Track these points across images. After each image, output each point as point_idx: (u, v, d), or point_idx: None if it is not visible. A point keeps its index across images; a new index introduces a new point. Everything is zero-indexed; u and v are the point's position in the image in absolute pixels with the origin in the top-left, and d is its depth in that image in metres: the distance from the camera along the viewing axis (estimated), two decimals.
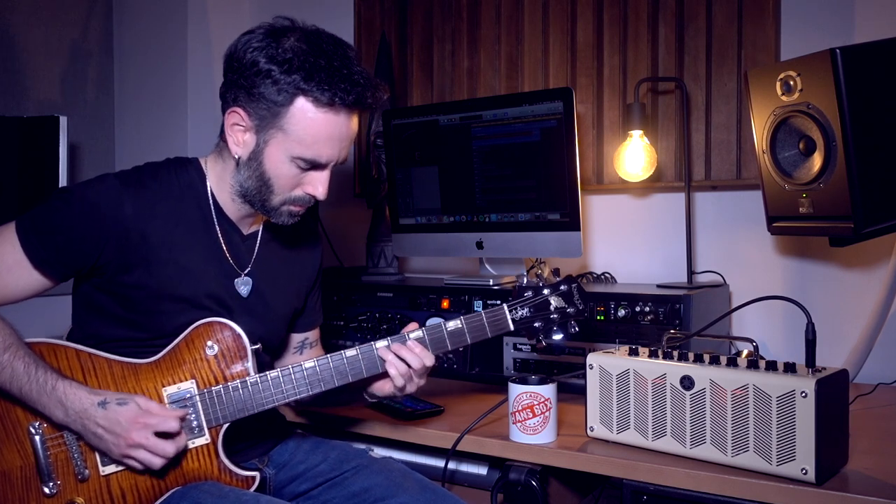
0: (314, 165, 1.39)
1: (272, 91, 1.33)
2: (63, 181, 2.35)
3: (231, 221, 1.48)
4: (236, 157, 1.40)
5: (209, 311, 1.43)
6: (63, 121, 2.36)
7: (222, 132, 1.44)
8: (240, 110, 1.37)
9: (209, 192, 1.46)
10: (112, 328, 1.42)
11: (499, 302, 1.99)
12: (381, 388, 1.53)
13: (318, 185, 1.41)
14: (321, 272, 1.70)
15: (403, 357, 1.44)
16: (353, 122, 1.39)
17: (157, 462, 1.30)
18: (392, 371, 1.44)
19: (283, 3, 2.75)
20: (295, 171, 1.39)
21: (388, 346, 1.45)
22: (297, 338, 1.69)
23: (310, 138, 1.35)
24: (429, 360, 1.45)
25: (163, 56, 2.94)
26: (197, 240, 1.44)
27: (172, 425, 1.31)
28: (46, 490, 1.33)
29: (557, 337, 1.52)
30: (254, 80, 1.33)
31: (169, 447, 1.30)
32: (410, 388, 1.48)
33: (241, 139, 1.39)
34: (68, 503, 1.34)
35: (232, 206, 1.47)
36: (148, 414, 1.30)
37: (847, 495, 1.24)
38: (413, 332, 1.47)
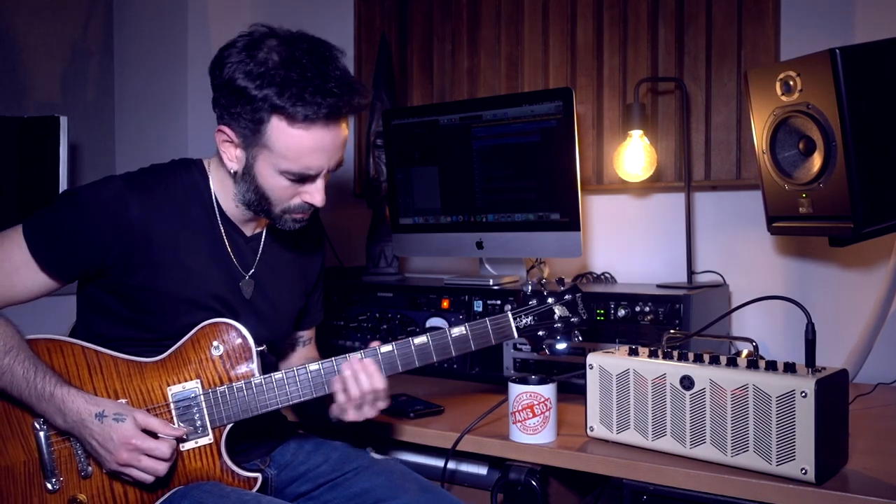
0: (304, 178, 1.38)
1: (248, 110, 1.32)
2: (63, 181, 2.35)
3: (234, 224, 1.49)
4: (232, 171, 1.41)
5: (214, 312, 1.44)
6: (63, 121, 2.36)
7: None
8: (226, 128, 1.37)
9: (213, 194, 1.47)
10: (117, 328, 1.42)
11: (499, 302, 2.00)
12: (332, 409, 1.47)
13: (314, 193, 1.41)
14: (323, 272, 1.70)
15: (356, 375, 1.40)
16: (337, 130, 1.36)
17: (147, 479, 1.31)
18: (337, 386, 1.40)
19: (283, 4, 2.76)
20: (287, 184, 1.38)
21: (348, 363, 1.41)
22: (294, 335, 1.70)
23: (293, 154, 1.34)
24: (379, 382, 1.41)
25: (163, 56, 2.94)
26: (202, 242, 1.44)
27: (164, 451, 1.30)
28: (49, 486, 1.34)
29: (561, 346, 1.52)
30: (231, 98, 1.33)
31: (160, 467, 1.30)
32: (354, 416, 1.43)
33: (232, 154, 1.40)
34: (71, 500, 1.34)
35: (235, 211, 1.47)
36: (141, 436, 1.30)
37: (847, 495, 1.24)
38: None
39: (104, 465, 1.32)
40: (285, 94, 1.30)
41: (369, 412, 1.43)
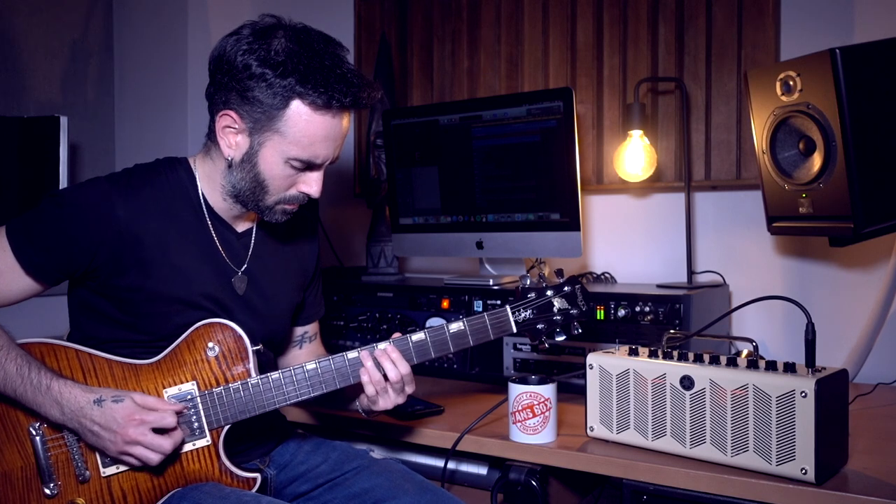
0: (309, 166, 1.39)
1: (267, 94, 1.32)
2: (63, 181, 2.35)
3: (224, 221, 1.48)
4: (229, 158, 1.40)
5: (207, 311, 1.43)
6: (63, 121, 2.36)
7: (210, 133, 1.44)
8: (232, 113, 1.37)
9: (200, 191, 1.46)
10: (110, 330, 1.42)
11: (499, 302, 2.00)
12: (361, 400, 1.52)
13: (312, 183, 1.41)
14: (319, 265, 1.70)
15: (382, 365, 1.43)
16: (346, 120, 1.40)
17: (154, 458, 1.31)
18: (365, 378, 1.43)
19: (284, 4, 2.75)
20: (290, 172, 1.39)
21: (369, 353, 1.43)
22: (297, 331, 1.69)
23: (306, 140, 1.35)
24: (404, 367, 1.43)
25: (163, 56, 2.94)
26: (191, 240, 1.44)
27: (169, 421, 1.31)
28: (47, 491, 1.34)
29: (560, 339, 1.51)
30: (247, 83, 1.33)
31: (166, 442, 1.31)
32: (384, 403, 1.45)
33: (233, 141, 1.39)
34: None
35: (223, 206, 1.47)
36: (144, 410, 1.30)
37: (847, 495, 1.24)
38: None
39: (109, 450, 1.31)
40: (310, 81, 1.31)
41: (399, 399, 1.46)
